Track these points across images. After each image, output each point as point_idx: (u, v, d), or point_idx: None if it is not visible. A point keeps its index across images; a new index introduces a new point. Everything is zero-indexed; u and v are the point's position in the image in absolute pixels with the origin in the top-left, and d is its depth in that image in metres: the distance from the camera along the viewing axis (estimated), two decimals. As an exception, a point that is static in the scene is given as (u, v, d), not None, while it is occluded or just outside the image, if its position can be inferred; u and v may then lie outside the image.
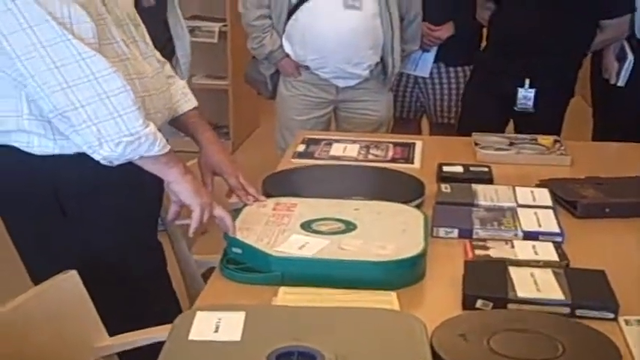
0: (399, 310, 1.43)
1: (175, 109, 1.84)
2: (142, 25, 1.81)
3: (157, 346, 1.28)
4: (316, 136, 2.54)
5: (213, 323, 1.30)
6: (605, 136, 2.98)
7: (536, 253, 1.65)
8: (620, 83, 3.02)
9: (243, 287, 1.55)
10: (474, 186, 2.02)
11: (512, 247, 1.68)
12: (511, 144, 2.42)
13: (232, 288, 1.56)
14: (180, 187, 1.64)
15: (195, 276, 2.12)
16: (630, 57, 2.97)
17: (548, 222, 1.81)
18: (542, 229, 1.78)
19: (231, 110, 4.71)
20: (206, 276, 1.89)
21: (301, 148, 2.41)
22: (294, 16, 2.89)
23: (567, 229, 1.79)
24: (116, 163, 1.57)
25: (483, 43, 3.26)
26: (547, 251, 1.65)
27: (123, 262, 1.75)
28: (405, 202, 1.85)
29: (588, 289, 1.48)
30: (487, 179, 2.13)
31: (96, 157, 1.55)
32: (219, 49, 4.55)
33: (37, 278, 1.65)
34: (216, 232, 1.72)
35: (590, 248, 1.74)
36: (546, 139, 2.44)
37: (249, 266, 1.58)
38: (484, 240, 1.73)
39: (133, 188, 1.70)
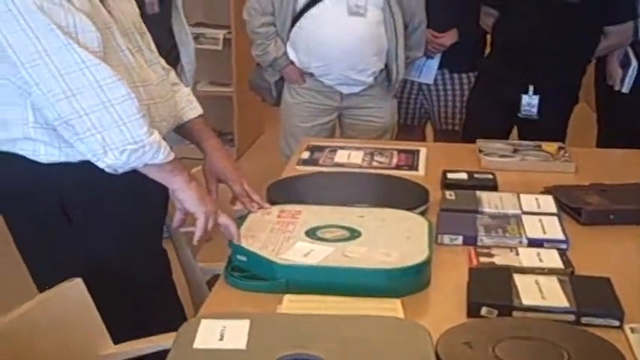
0: (403, 318, 1.42)
1: (180, 116, 1.84)
2: (147, 33, 1.82)
3: (162, 354, 1.28)
4: (321, 143, 2.55)
5: (218, 331, 1.30)
6: (609, 142, 2.97)
7: (540, 260, 1.64)
8: (625, 90, 3.02)
9: (248, 295, 1.55)
10: (479, 193, 2.02)
11: (517, 254, 1.68)
12: (515, 151, 2.42)
13: (237, 296, 1.56)
14: (184, 195, 1.64)
15: (200, 283, 2.12)
16: (634, 63, 2.97)
17: (553, 229, 1.81)
18: (546, 237, 1.78)
19: (235, 117, 4.72)
20: (211, 283, 1.90)
21: (306, 155, 2.41)
22: (298, 24, 2.89)
23: (572, 236, 1.79)
24: (120, 171, 1.58)
25: (487, 50, 3.27)
26: (552, 258, 1.65)
27: (127, 270, 1.76)
28: (409, 209, 1.85)
29: (593, 296, 1.48)
30: (491, 186, 2.13)
31: (100, 164, 1.56)
32: (224, 56, 4.56)
33: (43, 286, 1.66)
34: (221, 240, 1.72)
35: (594, 255, 1.74)
36: (550, 146, 2.44)
37: (254, 274, 1.58)
38: (489, 247, 1.73)
39: (138, 196, 1.71)
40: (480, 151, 2.40)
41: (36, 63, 1.49)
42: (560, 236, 1.78)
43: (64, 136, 1.57)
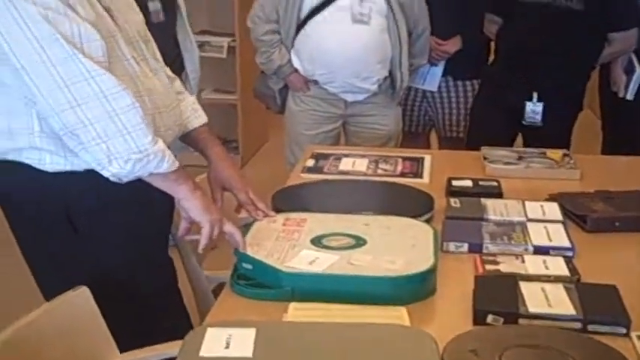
0: (409, 326, 1.42)
1: (185, 125, 1.85)
2: (153, 42, 1.83)
3: (168, 363, 1.28)
4: (325, 151, 2.55)
5: (224, 340, 1.30)
6: (614, 149, 2.98)
7: (546, 267, 1.64)
8: (629, 96, 3.02)
9: (254, 303, 1.55)
10: (484, 200, 2.02)
11: (523, 261, 1.68)
12: (520, 158, 2.42)
13: (243, 304, 1.56)
14: (189, 204, 1.65)
15: (206, 291, 2.13)
16: (638, 70, 2.98)
17: (559, 236, 1.81)
18: (552, 244, 1.78)
19: (240, 125, 4.72)
20: (216, 291, 1.90)
21: (310, 162, 2.41)
22: (302, 31, 2.90)
23: (577, 244, 1.78)
24: (125, 179, 1.58)
25: (491, 57, 3.27)
26: (558, 266, 1.65)
27: (132, 279, 1.76)
28: (414, 217, 1.85)
29: (600, 304, 1.47)
30: (496, 193, 2.13)
31: (105, 173, 1.56)
32: (228, 63, 4.57)
33: (49, 294, 1.66)
34: (227, 248, 1.72)
35: (600, 263, 1.74)
36: (555, 153, 2.44)
37: (260, 282, 1.59)
38: (494, 255, 1.73)
39: (143, 205, 1.71)
40: (485, 158, 2.40)
41: (41, 73, 1.50)
42: (566, 244, 1.78)
43: (69, 146, 1.58)
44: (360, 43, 2.85)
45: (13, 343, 1.41)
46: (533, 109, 2.92)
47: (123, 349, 1.61)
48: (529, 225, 1.87)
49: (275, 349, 1.28)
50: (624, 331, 1.42)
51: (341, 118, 3.05)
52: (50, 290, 1.65)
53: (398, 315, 1.46)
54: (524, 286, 1.52)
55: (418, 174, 2.32)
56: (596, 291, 1.53)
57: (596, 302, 1.47)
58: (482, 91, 3.20)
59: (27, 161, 1.64)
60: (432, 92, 3.36)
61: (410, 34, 2.98)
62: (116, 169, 1.55)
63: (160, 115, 1.70)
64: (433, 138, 3.62)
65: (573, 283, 1.56)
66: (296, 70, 2.97)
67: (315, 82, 2.97)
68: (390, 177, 2.27)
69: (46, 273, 1.78)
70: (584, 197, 2.05)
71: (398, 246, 1.66)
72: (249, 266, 1.61)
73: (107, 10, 1.64)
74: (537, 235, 1.81)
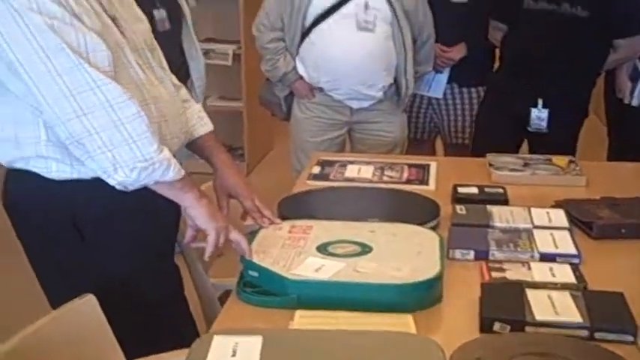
0: (415, 334, 1.42)
1: (191, 132, 1.85)
2: (159, 50, 1.83)
3: (175, 371, 1.28)
4: (331, 158, 2.55)
5: (231, 348, 1.30)
6: (620, 155, 2.97)
7: (553, 275, 1.64)
8: (635, 103, 3.02)
9: (260, 310, 1.55)
10: (490, 207, 2.02)
11: (529, 269, 1.67)
12: (526, 165, 2.42)
13: (249, 311, 1.56)
14: (195, 212, 1.65)
15: (212, 299, 2.13)
16: (644, 76, 2.97)
17: (565, 243, 1.81)
18: (559, 251, 1.77)
19: (245, 132, 4.73)
20: (222, 299, 1.90)
21: (316, 169, 2.42)
22: (307, 39, 2.91)
23: (583, 251, 1.78)
24: (131, 188, 1.59)
25: (496, 64, 3.27)
26: (564, 273, 1.65)
27: (138, 287, 1.76)
28: (420, 224, 1.85)
29: (607, 311, 1.47)
30: (502, 200, 2.12)
31: (111, 182, 1.57)
32: (234, 71, 4.58)
33: (55, 302, 1.66)
34: (233, 255, 1.72)
35: (606, 270, 1.73)
36: (561, 160, 2.44)
37: (266, 289, 1.59)
38: (500, 262, 1.73)
39: (148, 213, 1.71)
40: (491, 165, 2.40)
41: (47, 83, 1.50)
42: (573, 251, 1.77)
43: (75, 154, 1.58)
44: (364, 50, 2.85)
45: (19, 351, 1.41)
46: (539, 115, 2.91)
47: (129, 356, 1.61)
48: (535, 232, 1.87)
49: (282, 357, 1.28)
50: (631, 338, 1.41)
51: (346, 125, 3.05)
52: (56, 298, 1.65)
53: (404, 323, 1.46)
54: (530, 293, 1.52)
55: (424, 181, 2.31)
56: (603, 298, 1.52)
57: (603, 310, 1.47)
58: (488, 98, 3.20)
59: (34, 170, 1.64)
60: (437, 99, 3.36)
61: (415, 42, 2.99)
62: (122, 177, 1.56)
63: (166, 123, 1.70)
64: (438, 144, 3.62)
65: (580, 290, 1.56)
66: (301, 78, 2.98)
67: (321, 90, 2.97)
68: (395, 184, 2.27)
69: (52, 281, 1.79)
70: (590, 204, 2.04)
71: (404, 253, 1.66)
72: (255, 274, 1.62)
73: (113, 19, 1.64)
74: (543, 242, 1.81)
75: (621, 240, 1.90)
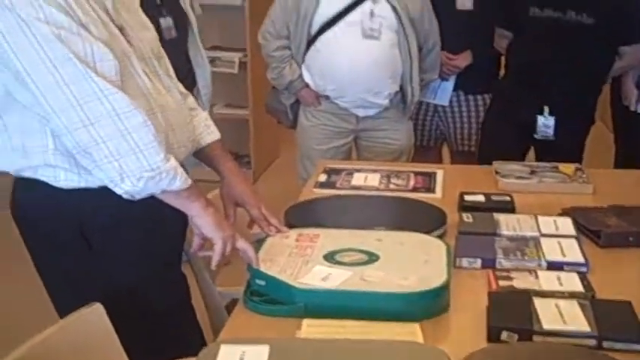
0: (423, 343, 1.42)
1: (198, 141, 1.86)
2: (166, 58, 1.84)
3: (182, 380, 1.28)
4: (337, 166, 2.55)
5: (238, 356, 1.30)
6: (627, 162, 2.96)
7: (560, 283, 1.64)
8: (641, 110, 3.01)
9: (267, 319, 1.55)
10: (496, 215, 2.02)
11: (537, 277, 1.67)
12: (532, 172, 2.41)
13: (256, 320, 1.56)
14: (202, 220, 1.65)
15: (219, 308, 2.13)
16: (649, 84, 2.97)
17: (573, 252, 1.80)
18: (566, 259, 1.77)
19: (251, 140, 4.74)
20: (229, 308, 1.90)
21: (323, 177, 2.42)
22: (313, 47, 2.91)
23: (591, 259, 1.78)
24: (137, 197, 1.59)
25: (502, 72, 3.27)
26: (572, 282, 1.64)
27: (145, 296, 1.76)
28: (426, 232, 1.85)
29: (615, 320, 1.47)
30: (509, 208, 2.12)
31: (118, 191, 1.57)
32: (240, 79, 4.59)
33: (62, 311, 1.67)
34: (240, 264, 1.72)
35: (614, 278, 1.73)
36: (568, 167, 2.43)
37: (273, 298, 1.59)
38: (507, 270, 1.72)
39: (155, 222, 1.72)
40: (497, 172, 2.40)
41: (54, 93, 1.50)
42: (580, 259, 1.77)
43: (82, 164, 1.59)
44: (370, 58, 2.85)
45: (27, 361, 1.42)
46: (545, 122, 2.91)
47: (136, 366, 1.61)
48: (542, 240, 1.87)
49: (289, 367, 1.28)
50: (639, 347, 1.41)
51: (352, 132, 3.05)
52: (64, 307, 1.66)
53: (411, 331, 1.46)
54: (538, 302, 1.52)
55: (430, 189, 2.31)
56: (611, 307, 1.52)
57: (611, 319, 1.47)
58: (494, 106, 3.20)
59: (42, 178, 1.65)
60: (443, 106, 3.36)
61: (420, 49, 2.99)
62: (129, 186, 1.56)
63: (173, 132, 1.71)
64: (445, 151, 3.62)
65: (588, 299, 1.55)
66: (307, 85, 2.98)
67: (327, 97, 2.98)
68: (402, 192, 2.27)
69: (59, 289, 1.79)
70: (597, 212, 2.04)
71: (411, 262, 1.66)
72: (263, 282, 1.62)
73: (120, 28, 1.65)
74: (551, 251, 1.80)
75: (629, 248, 1.89)
